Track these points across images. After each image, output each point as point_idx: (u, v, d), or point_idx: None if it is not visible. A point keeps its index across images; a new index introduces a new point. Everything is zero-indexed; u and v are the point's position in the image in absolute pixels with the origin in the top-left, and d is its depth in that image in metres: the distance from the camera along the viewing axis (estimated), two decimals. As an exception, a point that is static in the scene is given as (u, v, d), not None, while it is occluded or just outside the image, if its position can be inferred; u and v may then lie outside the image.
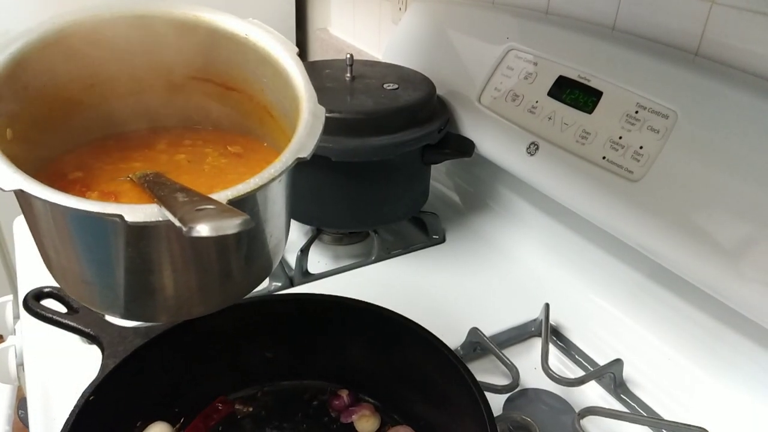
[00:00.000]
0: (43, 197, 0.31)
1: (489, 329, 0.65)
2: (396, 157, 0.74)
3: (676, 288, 0.66)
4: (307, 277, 0.76)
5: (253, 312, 0.53)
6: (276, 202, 0.39)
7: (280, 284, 0.74)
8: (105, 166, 0.42)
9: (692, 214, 0.59)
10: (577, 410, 0.56)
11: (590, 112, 0.68)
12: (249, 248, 0.39)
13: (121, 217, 0.30)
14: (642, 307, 0.69)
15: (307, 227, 0.83)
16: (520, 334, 0.68)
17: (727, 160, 0.56)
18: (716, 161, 0.57)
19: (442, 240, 0.85)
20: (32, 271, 0.76)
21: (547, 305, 0.67)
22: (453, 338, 0.50)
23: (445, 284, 0.76)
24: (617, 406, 0.60)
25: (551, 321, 0.67)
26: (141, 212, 0.30)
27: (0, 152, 0.32)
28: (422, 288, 0.75)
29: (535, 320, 0.69)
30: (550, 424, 0.56)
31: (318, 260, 0.81)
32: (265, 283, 0.74)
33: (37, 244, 0.38)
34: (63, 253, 0.36)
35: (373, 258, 0.79)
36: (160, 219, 0.30)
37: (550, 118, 0.72)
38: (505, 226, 0.86)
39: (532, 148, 0.75)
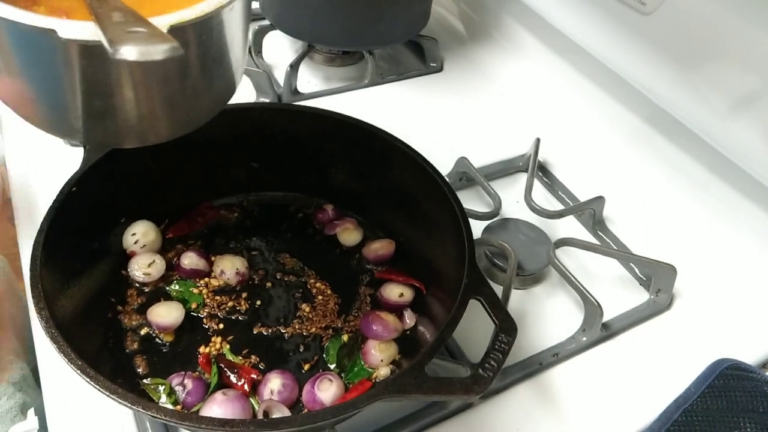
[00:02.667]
0: None
1: (477, 161, 0.65)
2: (398, -32, 0.68)
3: (671, 135, 0.66)
4: (296, 95, 0.73)
5: (239, 118, 0.52)
6: (231, 28, 0.36)
7: (267, 100, 0.72)
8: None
9: (699, 57, 0.56)
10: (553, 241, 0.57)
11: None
12: (201, 75, 0.36)
13: (53, 31, 0.29)
14: (634, 151, 0.69)
15: (298, 43, 0.78)
16: (507, 168, 0.68)
17: (749, 7, 0.52)
18: (736, 5, 0.53)
19: (440, 69, 0.81)
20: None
21: (537, 140, 0.66)
22: (441, 166, 0.50)
23: (438, 113, 0.75)
24: (593, 241, 0.62)
25: (540, 157, 0.67)
26: (76, 29, 0.29)
27: None
28: (414, 115, 0.74)
29: (524, 156, 0.69)
30: (525, 252, 0.57)
31: (308, 80, 0.78)
32: (251, 98, 0.72)
33: None
34: (4, 70, 0.34)
35: (366, 82, 0.76)
36: (96, 39, 0.29)
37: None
38: (507, 60, 0.82)
39: (547, -28, 0.69)
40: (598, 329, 0.53)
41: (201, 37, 0.34)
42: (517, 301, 0.56)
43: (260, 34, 0.78)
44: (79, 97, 0.33)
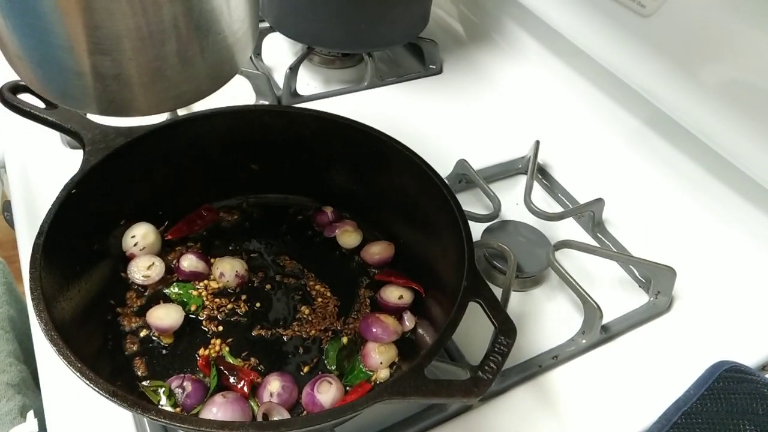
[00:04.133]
0: None
1: (477, 163, 0.65)
2: (397, -30, 0.68)
3: (670, 137, 0.66)
4: (296, 98, 0.73)
5: (239, 120, 0.52)
6: None
7: (267, 103, 0.72)
8: None
9: (699, 59, 0.56)
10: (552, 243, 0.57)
11: (615, -67, 0.61)
12: (189, 34, 0.34)
13: None
14: (633, 152, 0.69)
15: (298, 45, 0.78)
16: (506, 171, 0.68)
17: (749, 8, 0.52)
18: (736, 7, 0.53)
19: (439, 71, 0.81)
20: (6, 64, 0.72)
21: (537, 142, 0.67)
22: (440, 169, 0.50)
23: (438, 116, 0.75)
24: (593, 243, 0.62)
25: (540, 159, 0.67)
26: None
27: None
28: (414, 117, 0.74)
29: (523, 158, 0.69)
30: (525, 254, 0.57)
31: (308, 82, 0.78)
32: (251, 101, 0.72)
33: None
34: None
35: (365, 84, 0.76)
36: None
37: (569, -61, 0.66)
38: (507, 62, 0.83)
39: (546, -26, 0.69)
40: (598, 331, 0.53)
41: None
42: (517, 303, 0.56)
43: (260, 37, 0.78)
44: (52, 48, 0.32)
